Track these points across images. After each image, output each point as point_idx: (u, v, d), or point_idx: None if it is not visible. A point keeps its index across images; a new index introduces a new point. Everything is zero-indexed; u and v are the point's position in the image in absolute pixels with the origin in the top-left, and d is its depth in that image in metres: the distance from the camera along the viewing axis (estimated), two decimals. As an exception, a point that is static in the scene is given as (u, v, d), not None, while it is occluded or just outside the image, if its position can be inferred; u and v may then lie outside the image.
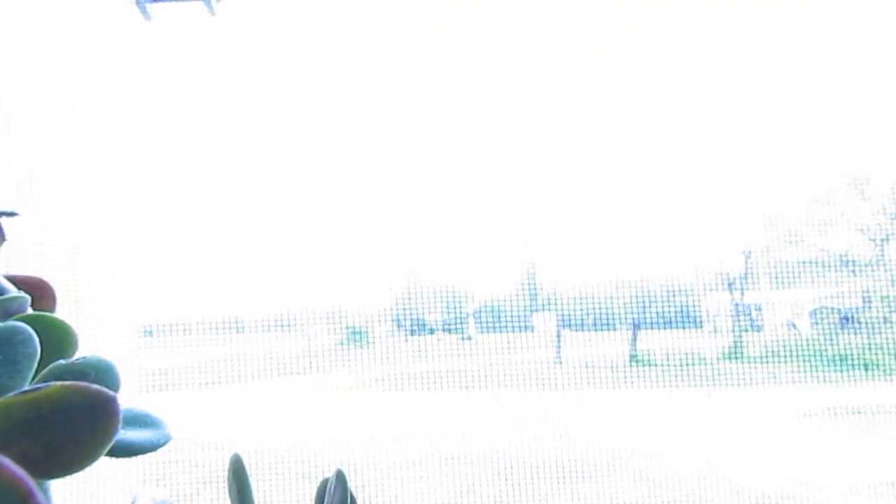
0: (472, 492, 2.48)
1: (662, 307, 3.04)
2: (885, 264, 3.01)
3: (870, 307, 2.80)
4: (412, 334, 3.20)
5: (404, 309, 3.36)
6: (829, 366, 2.65)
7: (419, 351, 3.08)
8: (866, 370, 2.59)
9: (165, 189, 2.62)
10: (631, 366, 3.01)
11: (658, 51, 2.72)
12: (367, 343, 3.17)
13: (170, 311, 2.74)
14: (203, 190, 2.87)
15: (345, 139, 2.89)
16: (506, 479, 2.52)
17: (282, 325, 3.02)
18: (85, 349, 1.23)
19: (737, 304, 3.05)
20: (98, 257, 1.77)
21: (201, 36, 2.68)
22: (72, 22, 1.81)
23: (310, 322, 3.10)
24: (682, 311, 3.04)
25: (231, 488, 0.41)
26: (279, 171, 2.94)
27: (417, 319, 3.25)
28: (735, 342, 2.93)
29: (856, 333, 2.79)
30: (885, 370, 2.54)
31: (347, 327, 3.16)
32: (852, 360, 2.63)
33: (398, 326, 3.28)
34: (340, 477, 0.41)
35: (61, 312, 1.28)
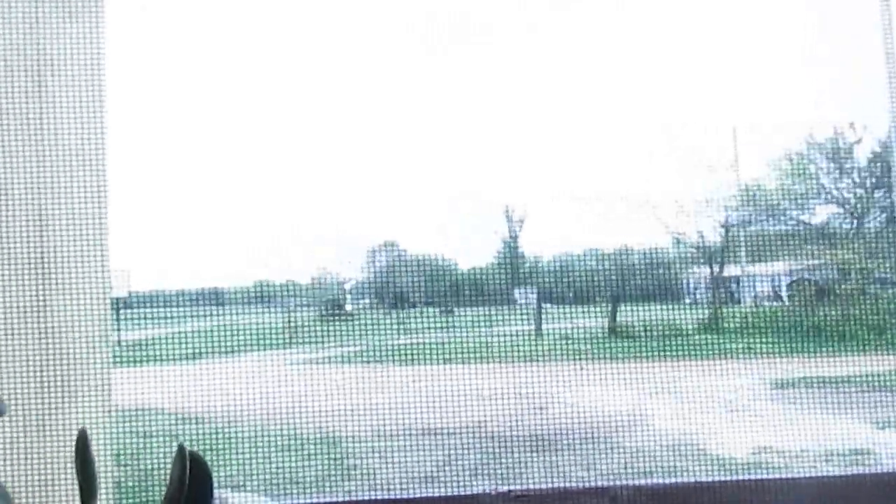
0: (449, 463, 2.50)
1: (642, 280, 3.05)
2: (863, 237, 3.03)
3: (847, 279, 2.82)
4: (393, 307, 3.21)
5: (385, 282, 3.36)
6: (804, 338, 2.67)
7: (399, 324, 3.08)
8: (842, 342, 2.62)
9: (140, 159, 2.59)
10: (610, 338, 3.02)
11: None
12: (347, 317, 3.17)
13: (149, 283, 2.72)
14: (182, 161, 2.85)
15: (320, 109, 2.86)
16: (483, 451, 2.55)
17: (261, 299, 3.01)
18: (53, 321, 1.23)
19: (715, 277, 3.07)
20: (68, 231, 1.76)
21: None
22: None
23: (289, 295, 3.09)
24: (661, 284, 3.05)
25: (76, 463, 0.41)
26: (258, 143, 2.91)
27: (398, 292, 3.26)
28: (713, 315, 2.95)
29: (832, 306, 2.81)
30: (859, 342, 2.57)
31: (327, 300, 3.16)
32: (828, 332, 2.65)
33: (379, 300, 3.28)
34: (181, 452, 0.41)
35: (27, 284, 1.27)
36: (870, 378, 2.54)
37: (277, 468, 2.48)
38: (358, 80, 2.89)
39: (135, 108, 2.49)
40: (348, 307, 3.25)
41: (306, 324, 3.12)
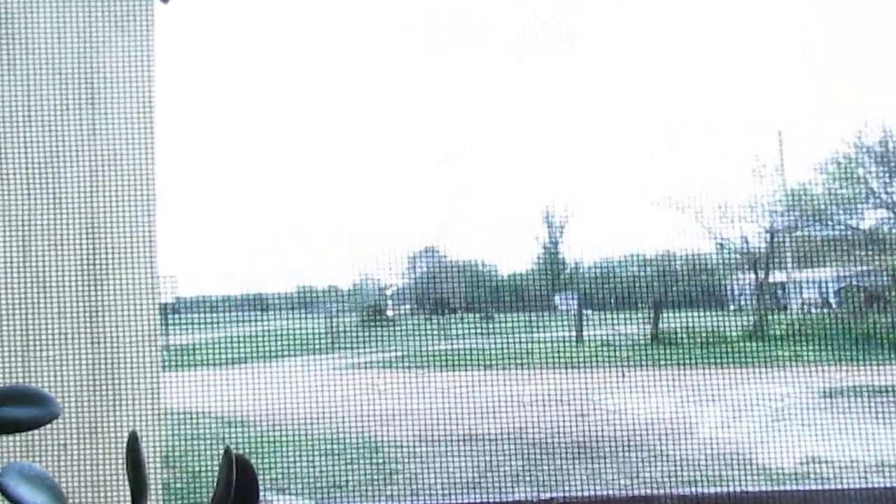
0: (490, 469, 2.50)
1: (685, 286, 3.01)
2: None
3: (898, 286, 2.74)
4: (433, 313, 3.22)
5: (426, 287, 3.37)
6: (854, 346, 2.61)
7: (440, 330, 3.09)
8: (893, 350, 2.55)
9: (187, 168, 2.65)
10: (652, 345, 2.99)
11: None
12: (389, 322, 3.19)
13: (195, 289, 2.78)
14: (227, 169, 2.90)
15: (355, 116, 2.89)
16: (524, 458, 2.54)
17: (304, 304, 3.05)
18: (104, 326, 1.26)
19: (761, 283, 3.01)
20: (117, 238, 1.81)
21: (222, 14, 2.70)
22: (92, 5, 1.83)
23: (332, 301, 3.13)
24: (705, 291, 3.00)
25: (127, 464, 0.42)
26: (301, 151, 2.96)
27: (439, 298, 3.27)
28: (759, 321, 2.90)
29: (882, 313, 2.74)
30: (912, 350, 2.50)
31: (368, 306, 3.18)
32: (879, 339, 2.58)
33: (419, 305, 3.29)
34: (227, 455, 0.42)
35: (79, 290, 1.31)
36: (923, 387, 2.46)
37: (321, 472, 2.51)
38: (398, 86, 2.91)
39: (182, 118, 2.55)
40: (389, 312, 3.27)
41: (348, 329, 3.16)
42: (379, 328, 3.20)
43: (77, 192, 1.80)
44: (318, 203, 3.00)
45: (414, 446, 2.62)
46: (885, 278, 2.79)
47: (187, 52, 2.58)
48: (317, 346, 3.00)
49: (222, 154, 2.92)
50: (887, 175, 3.02)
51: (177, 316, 2.77)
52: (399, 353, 3.16)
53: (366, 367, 3.11)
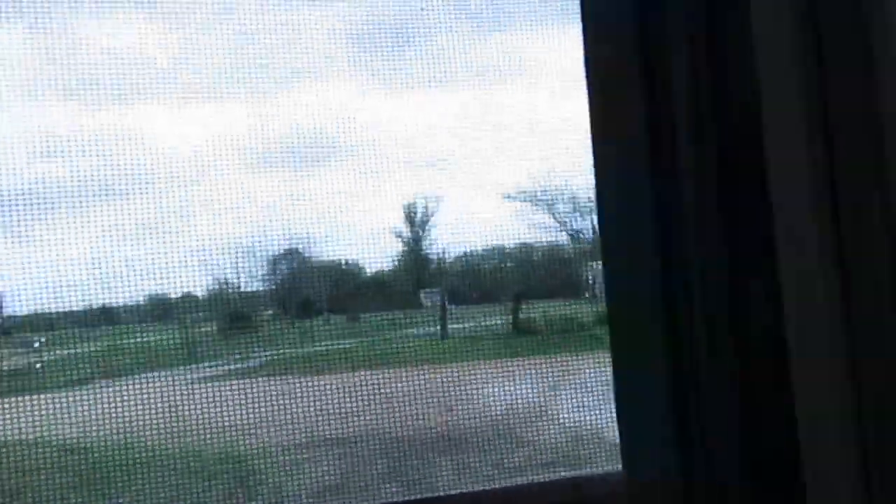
0: (355, 472, 2.48)
1: (544, 277, 3.11)
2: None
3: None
4: (297, 317, 3.15)
5: (288, 291, 3.30)
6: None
7: (303, 334, 3.03)
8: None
9: (14, 166, 2.45)
10: (514, 336, 3.07)
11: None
12: (250, 329, 3.10)
13: (27, 305, 2.57)
14: (62, 169, 2.71)
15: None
16: (390, 457, 2.53)
17: (156, 316, 2.90)
18: None
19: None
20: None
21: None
22: None
23: (187, 311, 2.99)
24: (562, 281, 3.11)
25: None
26: (144, 147, 2.80)
27: (302, 301, 3.21)
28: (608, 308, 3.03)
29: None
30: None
31: (228, 313, 3.07)
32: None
33: (282, 310, 3.22)
34: None
35: None
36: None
37: (177, 492, 2.40)
38: (251, 87, 2.82)
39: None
40: (250, 319, 3.17)
41: (206, 338, 3.03)
42: (240, 336, 3.10)
43: None
44: (168, 205, 2.85)
45: (278, 455, 2.55)
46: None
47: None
48: (172, 359, 2.86)
49: (56, 152, 2.72)
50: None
51: (7, 337, 2.56)
52: (262, 361, 3.08)
53: (226, 378, 3.00)
